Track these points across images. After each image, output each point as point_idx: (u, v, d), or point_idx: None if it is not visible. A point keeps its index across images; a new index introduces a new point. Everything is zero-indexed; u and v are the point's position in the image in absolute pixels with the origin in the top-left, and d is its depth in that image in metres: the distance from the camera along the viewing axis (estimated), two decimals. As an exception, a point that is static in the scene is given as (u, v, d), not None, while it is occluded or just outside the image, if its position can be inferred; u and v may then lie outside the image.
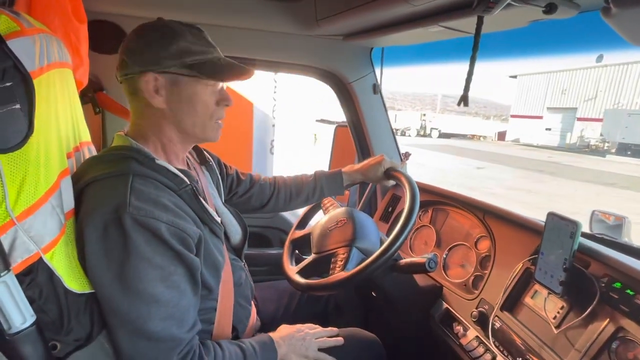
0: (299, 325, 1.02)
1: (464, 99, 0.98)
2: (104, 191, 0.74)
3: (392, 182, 1.32)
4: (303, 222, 1.39)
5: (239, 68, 0.86)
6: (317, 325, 1.05)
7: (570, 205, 7.87)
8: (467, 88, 0.97)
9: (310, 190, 1.31)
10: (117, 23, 1.36)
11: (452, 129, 32.69)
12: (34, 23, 0.73)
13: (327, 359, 0.98)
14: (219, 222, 0.89)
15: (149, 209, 0.71)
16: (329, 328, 1.06)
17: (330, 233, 1.17)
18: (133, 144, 0.82)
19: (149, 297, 0.70)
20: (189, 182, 0.82)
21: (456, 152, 19.12)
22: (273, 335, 0.95)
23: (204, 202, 0.85)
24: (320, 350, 0.99)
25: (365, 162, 1.32)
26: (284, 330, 1.00)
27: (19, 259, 0.63)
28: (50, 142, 0.71)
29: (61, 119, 0.78)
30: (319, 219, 1.29)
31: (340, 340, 1.03)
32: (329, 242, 1.14)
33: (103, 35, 1.34)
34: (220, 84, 0.87)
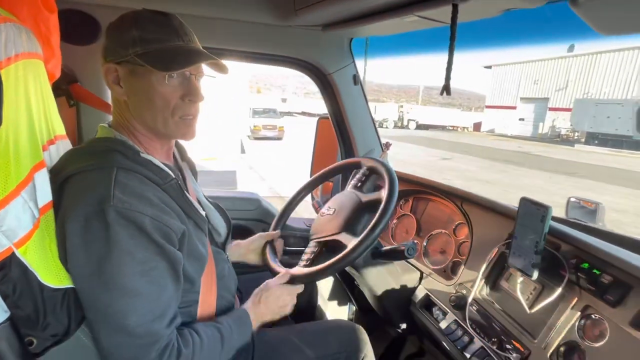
0: (263, 288, 1.01)
1: (445, 89, 1.00)
2: (86, 184, 0.72)
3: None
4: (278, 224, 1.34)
5: (197, 56, 0.80)
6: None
7: (525, 195, 7.98)
8: (447, 78, 0.98)
9: None
10: (90, 13, 1.32)
11: (432, 120, 33.00)
12: (0, 12, 0.71)
13: (298, 290, 1.02)
14: (204, 215, 0.89)
15: (134, 202, 0.70)
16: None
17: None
18: (117, 135, 0.81)
19: (130, 292, 0.69)
20: (174, 176, 0.81)
21: (428, 144, 19.31)
22: (247, 306, 0.97)
23: (188, 196, 0.84)
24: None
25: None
26: (253, 301, 0.99)
27: None
28: (20, 135, 0.70)
29: (33, 111, 0.76)
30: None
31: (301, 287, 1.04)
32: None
33: (75, 26, 1.30)
34: (188, 76, 0.81)
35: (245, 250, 1.23)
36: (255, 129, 16.28)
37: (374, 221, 0.99)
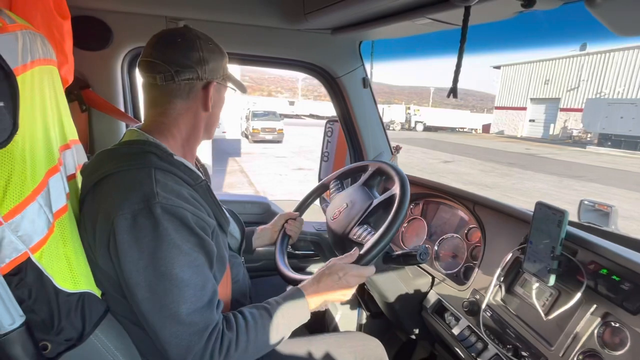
0: (328, 265, 0.95)
1: (453, 91, 0.99)
2: (128, 182, 0.75)
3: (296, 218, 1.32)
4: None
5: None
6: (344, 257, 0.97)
7: (524, 201, 7.57)
8: (455, 80, 0.97)
9: None
10: (102, 19, 1.33)
11: (441, 122, 32.71)
12: (16, 19, 0.72)
13: (366, 272, 0.94)
14: (228, 215, 0.93)
15: (174, 199, 0.74)
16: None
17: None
18: (150, 139, 0.83)
19: (181, 282, 0.72)
20: (204, 178, 0.86)
21: (431, 146, 18.97)
22: (303, 283, 0.93)
23: (216, 197, 0.89)
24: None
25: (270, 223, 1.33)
26: (312, 278, 0.94)
27: (7, 259, 0.62)
28: (36, 140, 0.70)
29: (48, 116, 0.77)
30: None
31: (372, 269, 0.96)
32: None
33: (88, 32, 1.32)
34: None
35: (271, 232, 1.31)
36: (254, 132, 16.27)
37: (395, 175, 1.06)
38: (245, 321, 0.82)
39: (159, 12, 1.34)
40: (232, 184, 8.44)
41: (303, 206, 1.37)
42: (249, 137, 16.74)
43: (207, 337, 0.75)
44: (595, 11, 0.79)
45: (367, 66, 1.72)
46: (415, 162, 13.39)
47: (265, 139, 16.30)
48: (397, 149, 1.73)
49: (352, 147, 1.80)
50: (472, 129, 34.59)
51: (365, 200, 1.13)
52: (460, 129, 34.27)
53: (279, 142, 16.51)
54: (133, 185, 0.74)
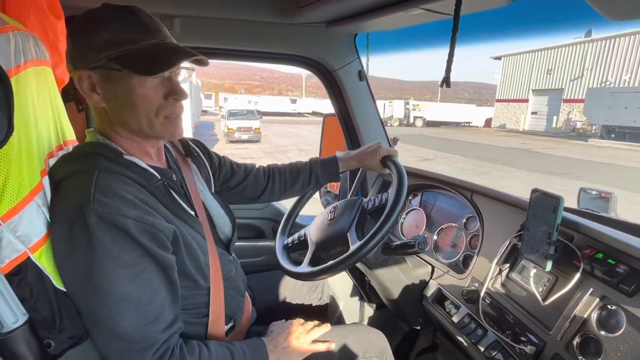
0: (293, 323, 1.02)
1: (445, 81, 1.00)
2: (69, 189, 0.71)
3: (387, 171, 1.25)
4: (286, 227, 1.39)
5: (178, 55, 0.75)
6: (308, 322, 1.06)
7: None
8: (448, 70, 0.98)
9: (306, 179, 1.26)
10: None
11: (444, 117, 32.33)
12: (8, 20, 0.72)
13: (321, 347, 0.99)
14: (194, 215, 0.87)
15: (115, 205, 0.68)
16: (318, 323, 1.07)
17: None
18: (100, 139, 0.79)
19: (119, 297, 0.68)
20: (160, 177, 0.80)
21: (419, 142, 18.08)
22: (266, 339, 0.95)
23: (177, 197, 0.83)
24: (314, 341, 1.00)
25: (362, 148, 1.27)
26: (276, 331, 0.99)
27: (7, 260, 0.63)
28: (31, 141, 0.71)
29: (42, 117, 0.77)
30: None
31: (327, 326, 1.05)
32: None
33: None
34: (168, 75, 0.77)
35: (358, 164, 1.27)
36: (229, 132, 15.96)
37: (376, 226, 0.97)
38: (209, 353, 0.79)
39: (152, 10, 1.34)
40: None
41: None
42: (225, 137, 16.45)
43: (158, 358, 0.71)
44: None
45: (363, 59, 1.72)
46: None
47: (241, 139, 15.90)
48: (395, 140, 1.74)
49: (350, 140, 1.80)
50: (468, 123, 34.25)
51: (344, 228, 1.12)
52: (465, 124, 33.82)
53: (256, 141, 16.15)
54: (72, 192, 0.70)
